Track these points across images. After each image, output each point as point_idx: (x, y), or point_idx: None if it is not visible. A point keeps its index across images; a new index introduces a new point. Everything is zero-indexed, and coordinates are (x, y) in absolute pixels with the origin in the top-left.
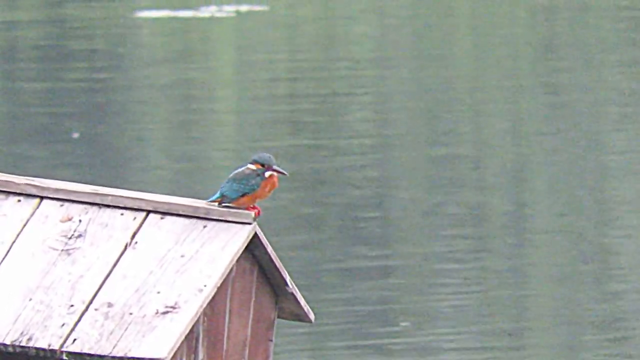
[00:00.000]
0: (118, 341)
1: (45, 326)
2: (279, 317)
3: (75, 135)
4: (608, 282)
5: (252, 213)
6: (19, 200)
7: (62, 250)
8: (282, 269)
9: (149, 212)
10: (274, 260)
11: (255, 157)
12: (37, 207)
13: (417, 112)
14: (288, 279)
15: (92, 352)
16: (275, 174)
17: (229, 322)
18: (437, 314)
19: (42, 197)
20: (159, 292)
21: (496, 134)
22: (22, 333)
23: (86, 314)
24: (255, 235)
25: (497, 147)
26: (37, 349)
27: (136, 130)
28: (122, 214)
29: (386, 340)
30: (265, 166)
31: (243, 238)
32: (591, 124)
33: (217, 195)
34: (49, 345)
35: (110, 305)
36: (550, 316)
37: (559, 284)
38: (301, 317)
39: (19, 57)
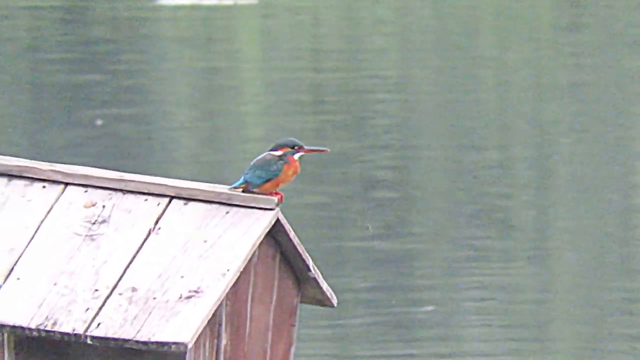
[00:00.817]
0: (142, 326)
1: (70, 311)
2: (301, 302)
3: (99, 122)
4: (634, 279)
5: (275, 199)
6: (44, 187)
7: (86, 235)
8: (304, 254)
9: (172, 197)
10: (297, 245)
11: (280, 141)
12: (62, 193)
13: (441, 96)
14: (311, 264)
15: (116, 336)
16: (297, 157)
17: (252, 307)
18: (461, 299)
19: (66, 184)
20: (182, 277)
21: (520, 131)
22: (46, 317)
23: (110, 298)
24: (278, 221)
25: (521, 141)
26: (61, 333)
27: (159, 117)
28: (145, 200)
29: (409, 325)
30: (296, 148)
31: (265, 223)
32: (617, 125)
33: (241, 181)
34: (74, 330)
35: (134, 290)
36: (575, 307)
37: (583, 274)
38: (323, 301)
39: (41, 47)
